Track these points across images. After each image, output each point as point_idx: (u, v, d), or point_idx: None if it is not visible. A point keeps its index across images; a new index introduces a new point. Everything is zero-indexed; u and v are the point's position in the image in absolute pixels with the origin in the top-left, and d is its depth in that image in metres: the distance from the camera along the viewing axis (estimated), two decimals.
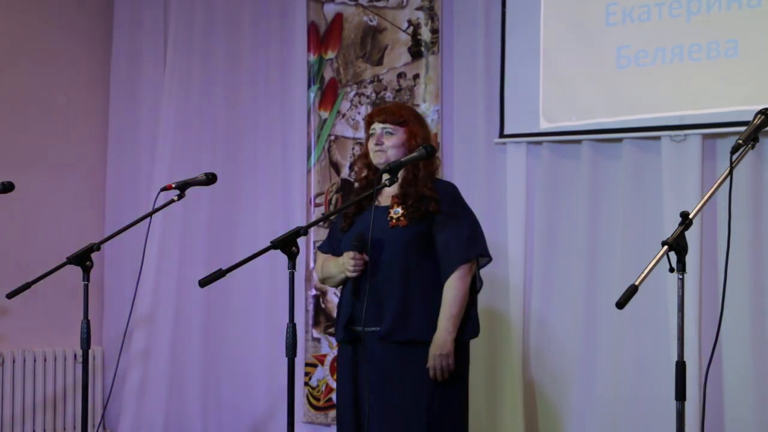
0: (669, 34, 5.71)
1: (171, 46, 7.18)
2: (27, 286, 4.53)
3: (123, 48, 7.42)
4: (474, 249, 3.96)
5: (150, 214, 4.79)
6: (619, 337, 5.74)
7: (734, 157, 3.21)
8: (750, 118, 3.37)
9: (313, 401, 6.57)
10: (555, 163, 6.02)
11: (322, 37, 6.72)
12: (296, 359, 6.27)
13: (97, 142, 7.36)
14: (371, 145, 3.98)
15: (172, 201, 4.71)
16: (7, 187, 5.06)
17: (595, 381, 5.84)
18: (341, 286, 4.23)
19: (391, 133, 3.93)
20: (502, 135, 6.13)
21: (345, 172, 6.45)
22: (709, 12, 5.62)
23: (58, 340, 6.90)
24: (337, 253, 4.13)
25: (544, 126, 6.02)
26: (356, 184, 4.10)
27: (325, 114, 6.69)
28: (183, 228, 6.99)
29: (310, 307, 6.60)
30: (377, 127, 3.97)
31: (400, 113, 4.01)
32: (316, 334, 6.58)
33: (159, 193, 4.79)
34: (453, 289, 3.87)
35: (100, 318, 7.26)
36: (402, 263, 3.85)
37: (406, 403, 3.79)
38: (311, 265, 6.51)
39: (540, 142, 6.04)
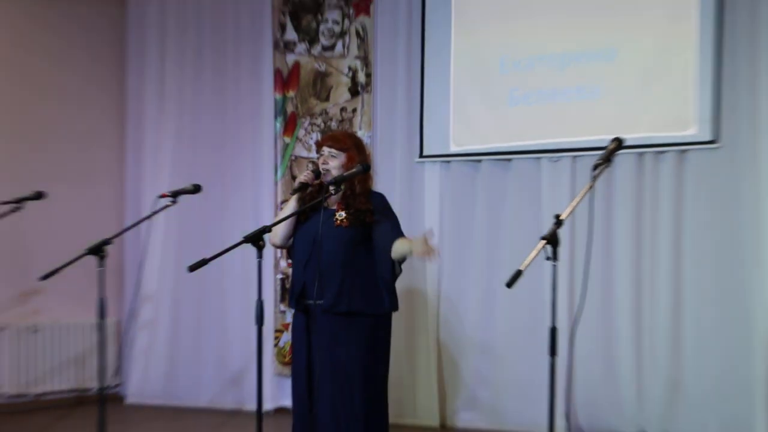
0: (548, 80, 5.76)
1: (168, 86, 7.07)
2: (55, 271, 4.44)
3: (134, 90, 7.25)
4: (401, 236, 3.94)
5: (149, 216, 4.71)
6: (509, 310, 5.78)
7: (595, 172, 3.24)
8: (606, 144, 3.40)
9: (280, 359, 6.54)
10: (461, 177, 6.04)
11: (285, 80, 6.68)
12: (267, 327, 6.31)
13: (117, 162, 7.26)
14: (320, 162, 3.97)
15: (167, 206, 4.63)
16: (40, 196, 4.99)
17: (490, 341, 5.88)
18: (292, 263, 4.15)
19: (334, 156, 3.92)
20: (421, 156, 6.16)
21: None
22: (578, 63, 5.68)
23: (82, 313, 6.80)
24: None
25: (453, 149, 6.05)
26: (301, 178, 3.97)
27: (287, 139, 6.65)
28: (179, 226, 6.88)
29: (278, 287, 6.56)
30: (325, 150, 3.96)
31: (344, 141, 3.97)
32: (282, 308, 6.54)
33: (158, 199, 4.74)
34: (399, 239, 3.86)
35: (120, 295, 7.19)
36: (343, 254, 3.83)
37: (348, 360, 3.79)
38: (278, 255, 6.51)
39: (450, 161, 6.10)
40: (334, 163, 3.92)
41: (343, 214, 3.86)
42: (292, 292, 3.96)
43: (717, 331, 5.24)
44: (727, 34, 5.24)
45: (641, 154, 5.48)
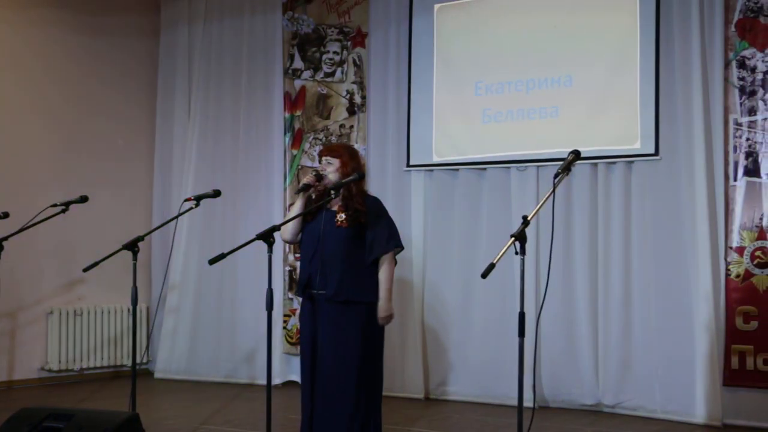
0: (515, 102, 5.76)
1: (193, 107, 7.04)
2: (96, 263, 4.41)
3: (163, 108, 7.25)
4: (392, 244, 3.90)
5: (176, 217, 4.69)
6: (484, 297, 5.77)
7: (556, 180, 3.23)
8: (565, 156, 3.40)
9: (288, 339, 6.50)
10: (442, 183, 6.02)
11: (293, 101, 6.67)
12: (276, 312, 6.28)
13: (146, 170, 7.25)
14: (320, 170, 3.96)
15: (191, 208, 4.60)
16: (84, 199, 4.99)
17: (468, 325, 5.87)
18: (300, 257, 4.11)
19: (330, 163, 3.91)
20: (408, 165, 6.14)
21: None
22: (541, 88, 5.69)
23: (117, 300, 6.78)
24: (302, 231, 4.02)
25: (436, 159, 6.03)
26: (304, 180, 3.94)
27: (295, 151, 6.63)
28: (201, 225, 6.84)
29: (286, 278, 6.51)
30: (323, 159, 3.96)
31: (338, 150, 3.97)
32: (290, 295, 6.51)
33: (183, 203, 4.70)
34: (384, 272, 3.80)
35: (149, 285, 7.15)
36: (343, 250, 3.80)
37: (347, 341, 3.76)
38: (286, 250, 6.46)
39: (432, 170, 6.08)
40: (330, 168, 3.91)
41: (343, 216, 3.83)
42: (300, 283, 3.93)
43: (662, 316, 5.23)
44: (664, 65, 5.28)
45: (595, 164, 5.49)
